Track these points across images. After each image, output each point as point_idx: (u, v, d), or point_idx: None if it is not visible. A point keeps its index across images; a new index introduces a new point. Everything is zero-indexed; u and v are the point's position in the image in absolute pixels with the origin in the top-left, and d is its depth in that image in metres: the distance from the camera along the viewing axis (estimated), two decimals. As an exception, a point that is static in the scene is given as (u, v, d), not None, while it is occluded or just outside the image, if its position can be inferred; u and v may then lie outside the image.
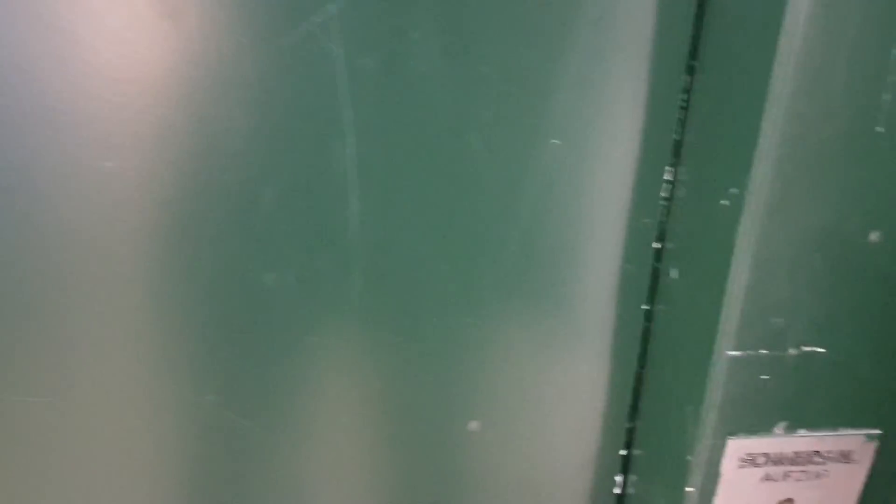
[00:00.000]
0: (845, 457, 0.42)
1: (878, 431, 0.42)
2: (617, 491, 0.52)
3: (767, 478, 0.42)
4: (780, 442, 0.41)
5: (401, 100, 0.41)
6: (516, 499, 0.52)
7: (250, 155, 0.41)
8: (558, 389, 0.49)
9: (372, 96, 0.40)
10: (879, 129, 0.35)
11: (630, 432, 0.51)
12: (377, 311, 0.45)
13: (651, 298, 0.46)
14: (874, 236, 0.37)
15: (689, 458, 0.42)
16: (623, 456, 0.51)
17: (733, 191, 0.37)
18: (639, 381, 0.49)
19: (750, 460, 0.41)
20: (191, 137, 0.40)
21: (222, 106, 0.40)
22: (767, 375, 0.40)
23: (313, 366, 0.46)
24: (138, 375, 0.45)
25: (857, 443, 0.42)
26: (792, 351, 0.39)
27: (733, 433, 0.41)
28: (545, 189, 0.44)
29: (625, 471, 0.52)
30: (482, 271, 0.45)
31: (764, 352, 0.39)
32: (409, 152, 0.42)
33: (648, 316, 0.47)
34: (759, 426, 0.41)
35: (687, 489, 0.43)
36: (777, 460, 0.42)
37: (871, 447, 0.42)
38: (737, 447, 0.41)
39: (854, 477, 0.43)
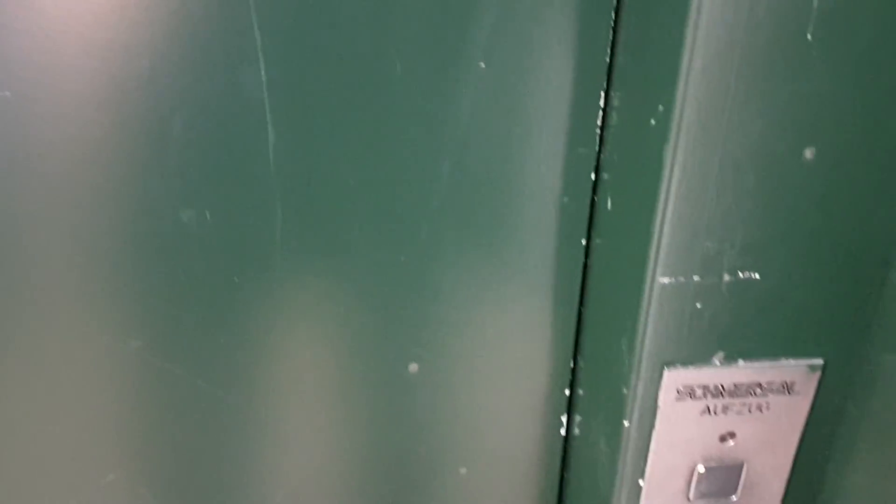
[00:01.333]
0: (787, 388, 0.41)
1: (820, 361, 0.40)
2: (562, 432, 0.51)
3: (707, 411, 0.41)
4: (718, 373, 0.40)
5: (316, 23, 0.38)
6: (460, 442, 0.51)
7: (157, 84, 0.38)
8: (499, 329, 0.47)
9: (285, 18, 0.38)
10: (810, 36, 0.33)
11: (573, 372, 0.49)
12: (301, 249, 0.43)
13: (589, 232, 0.45)
14: (809, 153, 0.35)
15: (624, 391, 0.41)
16: (567, 396, 0.50)
17: (660, 108, 0.35)
18: (580, 318, 0.47)
19: (688, 392, 0.40)
20: (92, 65, 0.38)
21: (125, 32, 0.37)
22: (701, 303, 0.38)
23: (238, 307, 0.44)
24: (55, 322, 0.43)
25: (800, 373, 0.40)
26: (726, 277, 0.37)
27: (669, 364, 0.40)
28: (473, 117, 0.42)
29: (569, 411, 0.50)
30: (411, 205, 0.43)
31: (697, 278, 0.37)
32: (326, 78, 0.39)
33: (587, 251, 0.45)
34: (695, 357, 0.40)
35: (624, 423, 0.41)
36: (716, 392, 0.40)
37: (814, 378, 0.41)
38: (673, 379, 0.40)
39: (797, 409, 0.42)
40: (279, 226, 0.43)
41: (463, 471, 0.52)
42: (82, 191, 0.40)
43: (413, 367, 0.48)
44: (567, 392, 0.50)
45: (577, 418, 0.50)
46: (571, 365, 0.49)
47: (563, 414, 0.51)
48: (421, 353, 0.47)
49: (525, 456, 0.52)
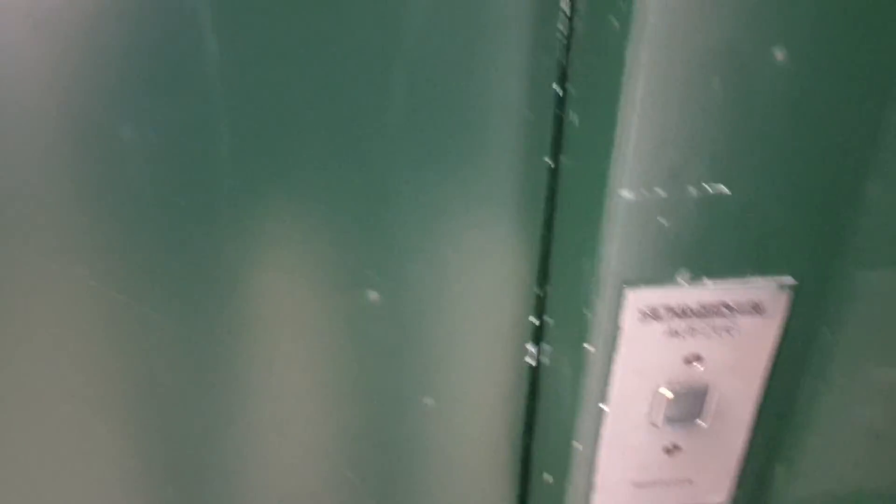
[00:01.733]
0: (756, 309, 0.39)
1: (791, 280, 0.38)
2: (530, 361, 0.49)
3: (671, 333, 0.39)
4: (683, 293, 0.38)
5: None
6: (424, 373, 0.49)
7: (84, -14, 0.36)
8: (461, 254, 0.45)
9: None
10: (782, -78, 0.30)
11: (540, 299, 0.47)
12: (249, 169, 0.41)
13: (555, 151, 0.42)
14: (780, 54, 0.33)
15: (586, 314, 0.39)
16: (534, 324, 0.48)
17: (621, 6, 0.32)
18: (546, 243, 0.45)
19: (651, 314, 0.38)
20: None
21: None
22: (666, 219, 0.36)
23: (184, 228, 0.42)
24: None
25: (769, 293, 0.39)
26: (692, 190, 0.35)
27: (632, 284, 0.38)
28: (429, 26, 0.39)
29: (536, 340, 0.48)
30: (365, 122, 0.41)
31: (660, 192, 0.35)
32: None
33: (552, 171, 0.43)
34: (659, 276, 0.38)
35: (585, 346, 0.40)
36: (681, 313, 0.38)
37: (785, 298, 0.39)
38: (636, 299, 0.38)
39: (766, 331, 0.40)
40: (226, 144, 0.40)
41: (428, 401, 0.50)
42: (18, 104, 0.38)
43: (372, 294, 0.46)
44: (533, 320, 0.48)
45: (545, 347, 0.48)
46: (537, 291, 0.47)
47: (529, 342, 0.49)
48: (379, 280, 0.45)
49: (491, 386, 0.50)
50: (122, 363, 0.46)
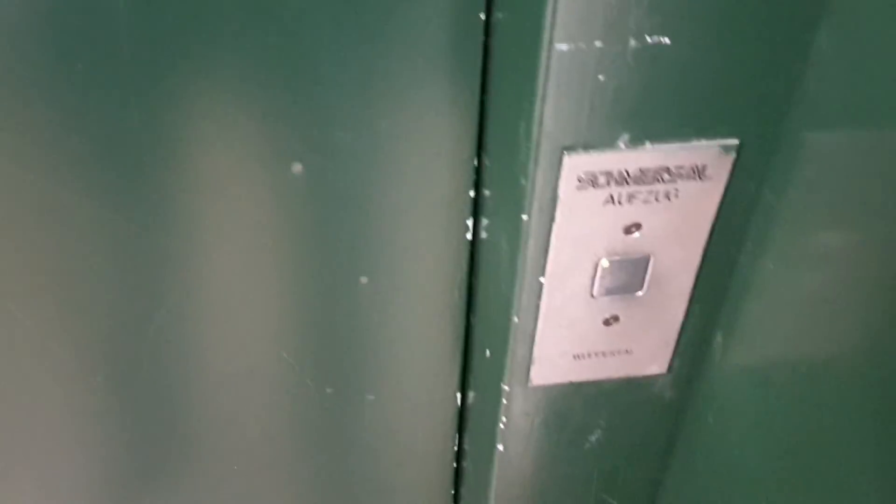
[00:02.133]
0: (698, 173, 0.37)
1: (735, 141, 0.37)
2: (468, 236, 0.47)
3: (610, 200, 0.37)
4: (623, 157, 0.36)
5: None
6: (358, 250, 0.47)
7: None
8: (393, 123, 0.42)
9: None
10: None
11: (478, 171, 0.45)
12: (155, 32, 0.37)
13: (488, 4, 0.39)
14: None
15: (523, 182, 0.37)
16: (472, 197, 0.46)
17: None
18: (482, 109, 0.43)
19: (590, 180, 0.36)
20: None
21: None
22: (605, 75, 0.33)
23: (87, 99, 0.38)
24: None
25: (712, 155, 0.37)
26: (632, 42, 0.33)
27: (569, 149, 0.35)
28: None
29: (475, 214, 0.46)
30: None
31: (599, 44, 0.32)
32: None
33: (487, 28, 0.40)
34: (598, 140, 0.35)
35: (522, 217, 0.38)
36: (620, 180, 0.37)
37: (728, 160, 0.37)
38: (574, 165, 0.36)
39: (708, 196, 0.38)
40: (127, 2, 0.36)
41: (363, 280, 0.48)
42: None
43: (297, 166, 0.43)
44: (472, 193, 0.46)
45: (484, 221, 0.46)
46: (475, 163, 0.45)
47: (468, 217, 0.47)
48: (304, 151, 0.42)
49: (429, 263, 0.49)
50: (37, 246, 0.43)
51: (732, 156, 0.37)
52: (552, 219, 0.38)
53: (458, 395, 0.56)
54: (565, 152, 0.35)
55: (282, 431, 0.54)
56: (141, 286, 0.46)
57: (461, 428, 0.58)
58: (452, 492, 0.62)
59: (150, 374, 0.50)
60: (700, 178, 0.37)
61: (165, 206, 0.43)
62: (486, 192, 0.45)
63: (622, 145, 0.36)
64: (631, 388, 0.47)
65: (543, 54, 0.33)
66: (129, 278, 0.46)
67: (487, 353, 0.47)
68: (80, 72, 0.38)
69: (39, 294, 0.46)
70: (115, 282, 0.46)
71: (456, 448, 0.59)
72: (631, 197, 0.37)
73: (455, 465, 0.60)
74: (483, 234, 0.47)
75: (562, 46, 0.32)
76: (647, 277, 0.40)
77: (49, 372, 0.49)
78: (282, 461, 0.56)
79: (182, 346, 0.49)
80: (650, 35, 0.32)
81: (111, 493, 0.56)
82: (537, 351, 0.43)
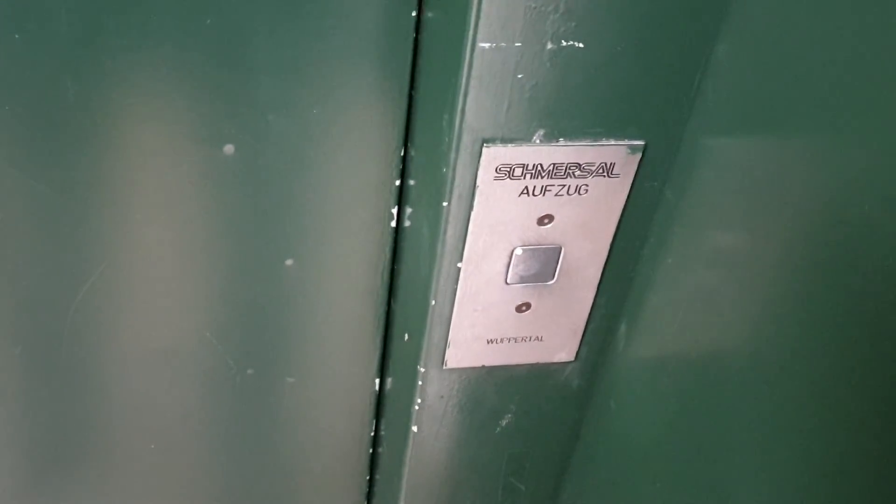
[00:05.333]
0: (607, 170, 0.40)
1: (641, 143, 0.40)
2: (393, 224, 0.49)
3: (525, 192, 0.40)
4: (538, 151, 0.38)
5: None
6: (284, 233, 0.48)
7: None
8: (324, 110, 0.44)
9: None
10: None
11: (404, 161, 0.47)
12: (92, 7, 0.38)
13: (419, 2, 0.41)
14: None
15: (444, 170, 0.39)
16: (398, 186, 0.48)
17: None
18: (410, 102, 0.45)
19: (507, 172, 0.39)
20: None
21: None
22: (523, 74, 0.36)
23: (25, 67, 0.39)
24: None
25: (620, 155, 0.40)
26: (549, 45, 0.35)
27: (489, 141, 0.38)
28: None
29: (400, 203, 0.48)
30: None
31: (518, 45, 0.35)
32: None
33: (418, 26, 0.42)
34: (515, 134, 0.38)
35: (443, 204, 0.40)
36: (535, 173, 0.39)
37: (634, 160, 0.40)
38: (492, 156, 0.38)
39: (616, 192, 0.41)
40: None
41: (289, 262, 0.50)
42: None
43: (228, 147, 0.44)
44: (398, 183, 0.48)
45: (408, 210, 0.48)
46: (402, 153, 0.47)
47: (393, 206, 0.49)
48: (236, 133, 0.44)
49: (354, 248, 0.50)
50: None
51: (638, 155, 0.40)
52: (471, 207, 0.40)
53: (377, 381, 0.57)
54: (485, 144, 0.38)
55: (201, 411, 0.55)
56: (67, 259, 0.47)
57: (378, 414, 0.60)
58: (367, 477, 0.64)
59: (71, 347, 0.50)
60: (609, 175, 0.40)
61: (95, 179, 0.44)
62: (411, 182, 0.47)
63: (537, 140, 0.38)
64: (541, 375, 0.49)
65: (467, 51, 0.35)
66: (55, 250, 0.46)
67: (406, 336, 0.49)
68: (18, 42, 0.38)
69: (-40, 262, 0.45)
70: (41, 253, 0.46)
71: (372, 434, 0.61)
72: (545, 189, 0.40)
73: (371, 450, 0.62)
74: (406, 223, 0.49)
75: (484, 45, 0.35)
76: (558, 267, 0.43)
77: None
78: (199, 441, 0.57)
79: (105, 321, 0.49)
80: (565, 39, 0.35)
81: (23, 470, 0.56)
82: (453, 334, 0.45)
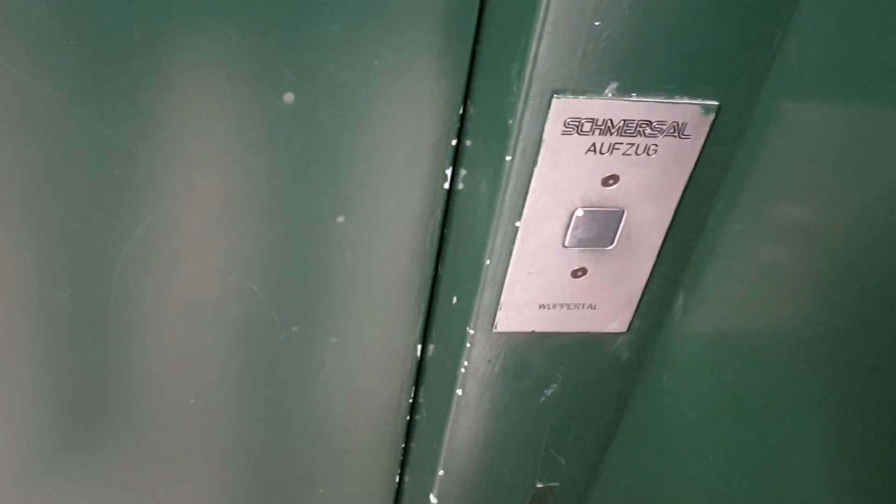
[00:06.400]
0: (678, 130, 0.39)
1: (715, 103, 0.38)
2: (446, 186, 0.48)
3: (593, 149, 0.39)
4: (609, 105, 0.37)
5: None
6: (338, 188, 0.48)
7: None
8: (386, 61, 0.43)
9: None
10: None
11: (462, 119, 0.46)
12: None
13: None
14: None
15: (510, 122, 0.38)
16: (454, 147, 0.47)
17: None
18: (473, 58, 0.44)
19: (575, 126, 0.38)
20: None
21: None
22: (601, 21, 0.35)
23: (94, 26, 0.38)
24: None
25: (693, 114, 0.38)
26: (629, -8, 0.34)
27: (559, 92, 0.37)
28: None
29: (454, 164, 0.48)
30: None
31: (598, -10, 0.34)
32: None
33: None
34: (587, 85, 0.37)
35: (506, 159, 0.39)
36: (604, 129, 0.38)
37: (707, 121, 0.39)
38: (562, 108, 0.37)
39: (686, 155, 0.40)
40: None
41: (340, 219, 0.49)
42: None
43: (288, 96, 0.43)
44: (454, 143, 0.47)
45: (462, 171, 0.47)
46: (461, 111, 0.46)
47: (448, 167, 0.48)
48: (297, 81, 0.43)
49: (406, 208, 0.50)
50: (23, 153, 0.43)
51: (712, 116, 0.38)
52: (534, 163, 0.39)
53: (419, 347, 0.57)
54: (555, 95, 0.37)
55: (244, 365, 0.55)
56: (122, 203, 0.46)
57: (417, 381, 0.59)
58: (403, 444, 0.63)
59: (119, 292, 0.50)
60: (680, 135, 0.39)
61: (154, 123, 0.43)
62: (468, 143, 0.46)
63: (609, 94, 0.37)
64: (590, 345, 0.48)
65: (544, -5, 0.34)
66: (110, 194, 0.46)
67: (454, 299, 0.48)
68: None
69: (17, 201, 0.45)
70: (95, 195, 0.46)
71: (410, 400, 0.60)
72: (612, 147, 0.39)
73: (408, 417, 0.61)
74: (460, 185, 0.48)
75: (563, -12, 0.34)
76: (619, 232, 0.42)
77: (20, 280, 0.48)
78: (239, 395, 0.57)
79: (155, 268, 0.49)
80: (647, -14, 0.34)
81: (64, 416, 0.56)
82: (505, 296, 0.44)
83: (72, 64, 0.40)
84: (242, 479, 0.62)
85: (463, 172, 0.47)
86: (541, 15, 0.34)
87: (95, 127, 0.43)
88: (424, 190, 0.49)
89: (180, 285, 0.50)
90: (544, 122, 0.37)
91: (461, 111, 0.46)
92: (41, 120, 0.42)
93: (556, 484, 0.56)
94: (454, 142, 0.47)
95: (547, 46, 0.35)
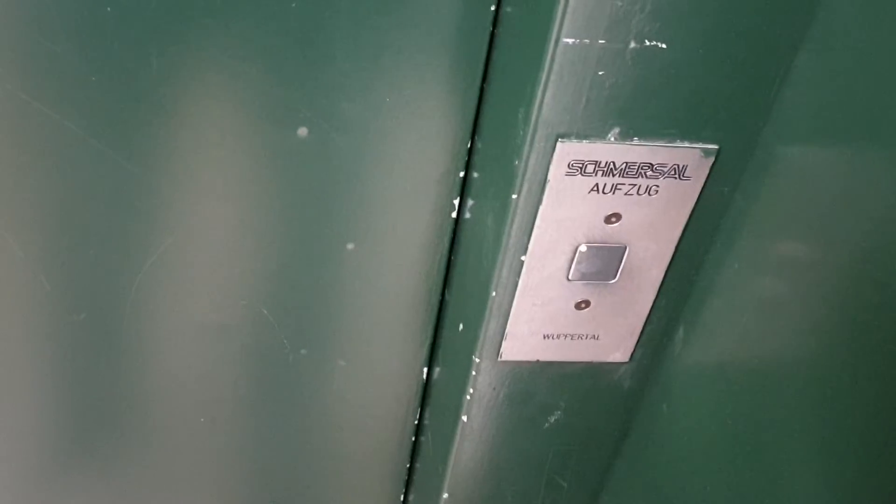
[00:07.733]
0: (679, 172, 0.40)
1: (715, 146, 0.40)
2: (453, 215, 0.50)
3: (596, 189, 0.40)
4: (611, 149, 0.39)
5: None
6: (348, 217, 0.49)
7: None
8: (395, 99, 0.45)
9: None
10: None
11: (470, 153, 0.47)
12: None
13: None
14: None
15: (516, 163, 0.39)
16: (462, 178, 0.48)
17: None
18: (481, 95, 0.45)
19: (579, 168, 0.39)
20: None
21: None
22: (604, 70, 0.36)
23: (118, 64, 0.40)
24: None
25: (693, 157, 0.40)
26: (632, 43, 0.35)
27: (563, 136, 0.38)
28: None
29: (462, 194, 0.49)
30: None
31: (602, 42, 0.35)
32: None
33: (495, 20, 0.42)
34: (591, 130, 0.38)
35: (512, 196, 0.40)
36: (607, 170, 0.39)
37: (707, 163, 0.40)
38: (566, 152, 0.38)
39: (686, 195, 0.41)
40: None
41: (350, 246, 0.50)
42: None
43: (302, 130, 0.45)
44: (461, 174, 0.49)
45: (470, 202, 0.49)
46: (469, 145, 0.47)
47: (455, 197, 0.50)
48: (311, 117, 0.45)
49: (414, 236, 0.51)
50: (41, 180, 0.45)
51: (711, 159, 0.40)
52: (539, 201, 0.40)
53: (425, 370, 0.58)
54: (559, 139, 0.38)
55: (253, 387, 0.56)
56: (136, 228, 0.48)
57: (423, 403, 0.60)
58: (408, 465, 0.64)
59: (133, 316, 0.51)
60: (680, 177, 0.40)
61: (170, 154, 0.45)
62: (475, 175, 0.47)
63: (612, 138, 0.38)
64: (593, 374, 0.50)
65: (550, 46, 0.35)
66: (125, 220, 0.47)
67: (461, 326, 0.50)
68: (109, 14, 0.39)
69: (37, 228, 0.47)
70: (112, 223, 0.47)
71: (416, 422, 0.61)
72: (615, 188, 0.40)
73: (413, 439, 0.62)
74: (467, 215, 0.49)
75: (568, 40, 0.35)
76: (621, 267, 0.43)
77: (37, 303, 0.50)
78: (248, 416, 0.58)
79: (168, 293, 0.51)
80: (649, 39, 0.35)
81: (75, 435, 0.58)
82: (510, 327, 0.45)
83: (93, 99, 0.42)
84: (250, 499, 0.63)
85: (470, 202, 0.48)
86: (546, 65, 0.36)
87: (114, 158, 0.44)
88: (432, 219, 0.50)
89: (192, 309, 0.52)
90: (549, 164, 0.39)
91: (469, 145, 0.47)
92: (62, 151, 0.44)
93: (558, 507, 0.57)
94: (462, 173, 0.48)
95: (552, 95, 0.36)
